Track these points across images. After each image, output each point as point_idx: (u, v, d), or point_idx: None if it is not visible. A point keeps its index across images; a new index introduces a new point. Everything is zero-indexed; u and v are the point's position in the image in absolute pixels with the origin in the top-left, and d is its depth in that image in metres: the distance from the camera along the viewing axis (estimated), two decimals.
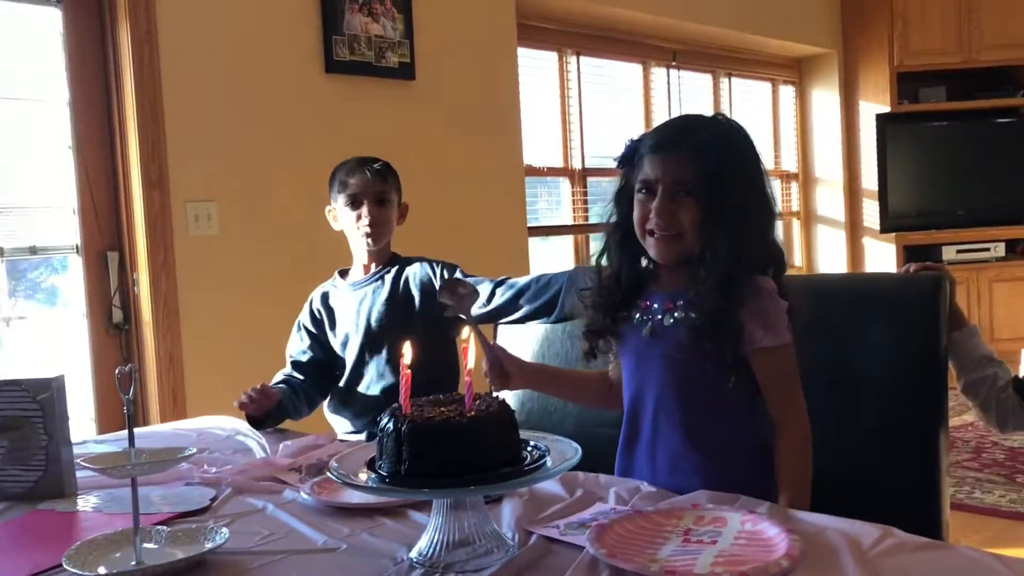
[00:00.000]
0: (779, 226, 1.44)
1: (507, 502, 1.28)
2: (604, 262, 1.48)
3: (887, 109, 5.49)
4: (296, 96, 3.14)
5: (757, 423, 1.42)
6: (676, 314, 1.39)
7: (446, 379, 2.06)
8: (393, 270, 2.11)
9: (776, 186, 5.68)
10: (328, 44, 3.19)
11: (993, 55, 5.46)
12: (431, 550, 1.09)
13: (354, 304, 2.11)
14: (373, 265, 2.13)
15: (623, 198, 1.44)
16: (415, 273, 2.09)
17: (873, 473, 1.47)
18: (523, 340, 1.98)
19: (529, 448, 1.14)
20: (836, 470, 1.49)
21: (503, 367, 1.46)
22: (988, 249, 5.43)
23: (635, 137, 1.43)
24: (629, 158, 1.43)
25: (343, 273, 2.19)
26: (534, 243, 4.03)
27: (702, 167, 1.35)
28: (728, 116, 1.45)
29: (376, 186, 2.08)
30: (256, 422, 1.89)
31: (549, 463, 1.10)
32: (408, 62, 3.42)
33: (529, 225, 4.00)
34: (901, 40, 5.44)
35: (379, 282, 2.11)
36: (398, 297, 2.08)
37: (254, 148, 3.02)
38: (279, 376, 2.12)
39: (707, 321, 1.34)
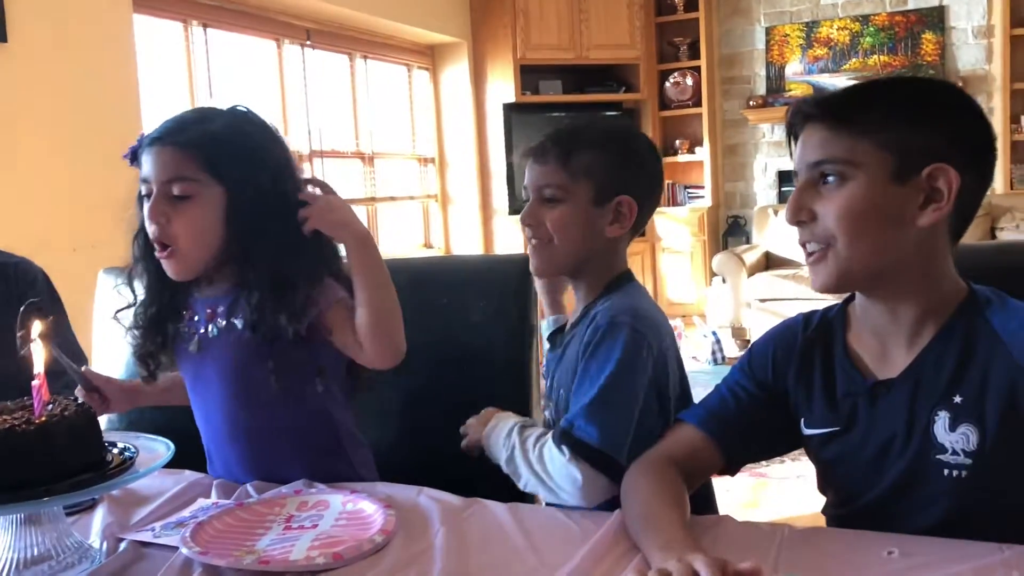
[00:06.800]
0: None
1: (100, 509, 1.19)
2: (136, 274, 1.34)
3: (512, 99, 5.88)
4: None
5: (332, 410, 1.37)
6: (219, 322, 1.30)
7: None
8: None
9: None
10: None
11: (600, 54, 6.06)
12: (1, 571, 0.99)
13: None
14: None
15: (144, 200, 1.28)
16: None
17: None
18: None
19: (115, 451, 1.07)
20: (446, 440, 1.58)
21: (101, 393, 1.33)
22: None
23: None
24: (136, 153, 1.28)
25: None
26: None
27: (196, 164, 1.24)
28: (248, 110, 1.34)
29: None
30: None
31: (136, 465, 1.04)
32: None
33: None
34: (523, 35, 5.84)
35: None
36: None
37: None
38: None
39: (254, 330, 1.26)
